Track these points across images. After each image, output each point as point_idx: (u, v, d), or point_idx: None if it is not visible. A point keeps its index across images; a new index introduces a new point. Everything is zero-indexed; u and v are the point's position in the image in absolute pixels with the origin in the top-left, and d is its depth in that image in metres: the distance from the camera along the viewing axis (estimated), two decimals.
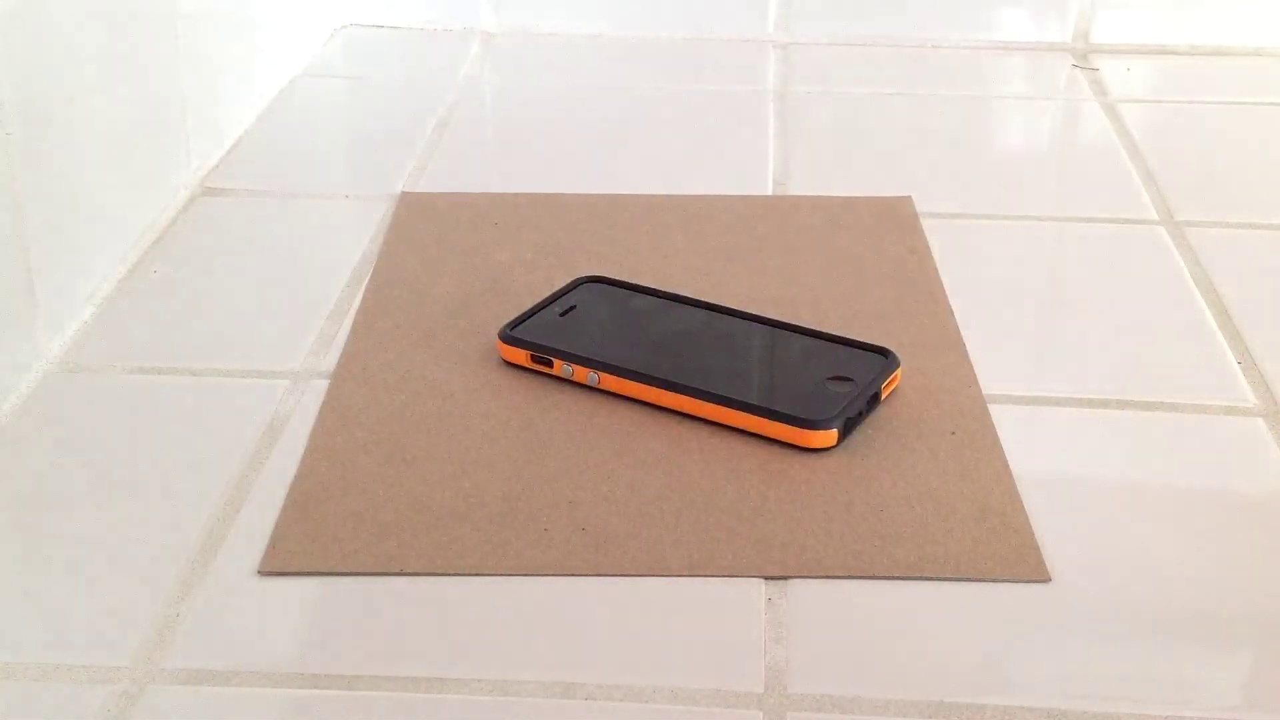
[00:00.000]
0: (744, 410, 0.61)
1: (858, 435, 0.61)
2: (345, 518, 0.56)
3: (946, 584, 0.53)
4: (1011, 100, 1.01)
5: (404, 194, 0.84)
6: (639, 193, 0.85)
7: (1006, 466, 0.60)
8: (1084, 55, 1.09)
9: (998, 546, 0.55)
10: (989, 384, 0.66)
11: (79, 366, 0.67)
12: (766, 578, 0.54)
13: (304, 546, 0.55)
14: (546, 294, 0.71)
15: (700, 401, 0.62)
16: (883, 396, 0.63)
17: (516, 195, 0.84)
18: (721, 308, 0.69)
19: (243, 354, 0.68)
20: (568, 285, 0.71)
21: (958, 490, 0.58)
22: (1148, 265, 0.77)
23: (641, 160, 0.90)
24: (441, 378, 0.66)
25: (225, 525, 0.56)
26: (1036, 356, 0.69)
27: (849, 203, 0.84)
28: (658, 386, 0.63)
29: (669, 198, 0.84)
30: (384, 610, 0.52)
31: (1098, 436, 0.63)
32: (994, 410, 0.64)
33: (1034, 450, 0.61)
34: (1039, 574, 0.54)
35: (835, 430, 0.60)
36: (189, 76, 0.84)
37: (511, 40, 1.12)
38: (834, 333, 0.68)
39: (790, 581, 0.53)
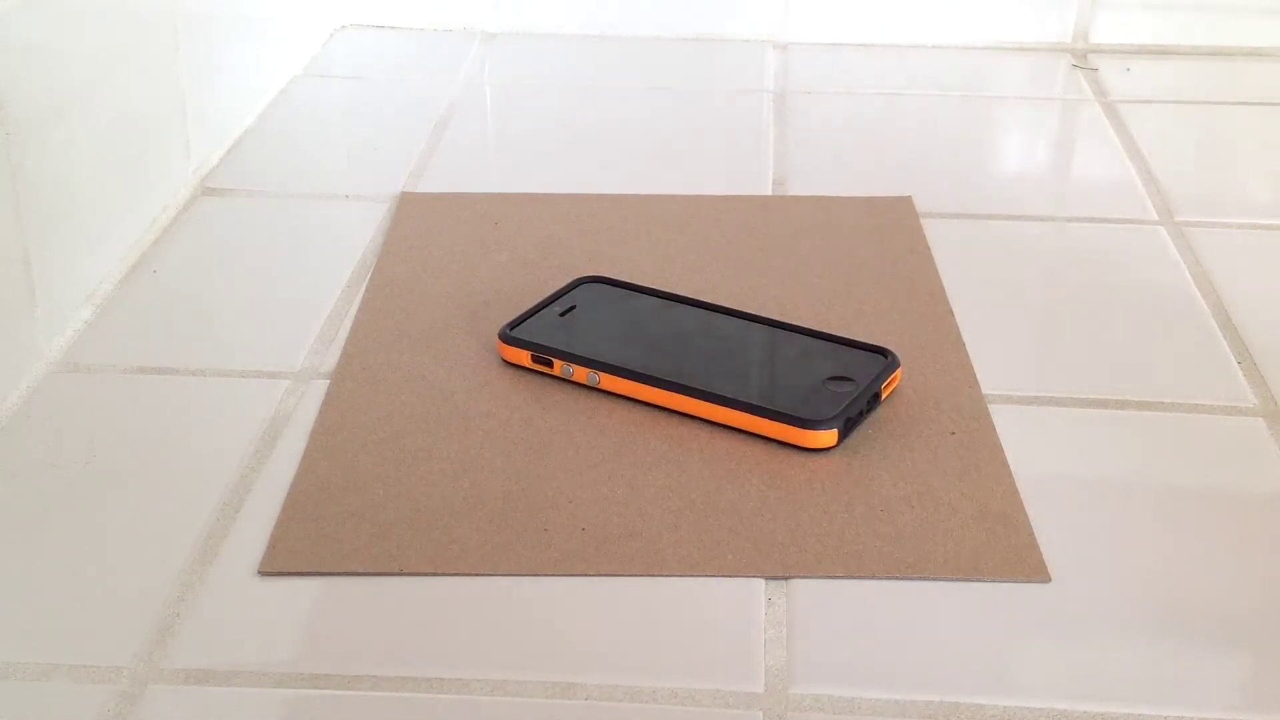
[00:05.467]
0: (744, 410, 0.61)
1: (858, 435, 0.61)
2: (345, 518, 0.56)
3: (946, 584, 0.53)
4: (1011, 100, 1.01)
5: (404, 194, 0.84)
6: (639, 193, 0.85)
7: (1006, 466, 0.60)
8: (1084, 55, 1.09)
9: (998, 546, 0.55)
10: (989, 384, 0.66)
11: (79, 366, 0.67)
12: (766, 578, 0.54)
13: (304, 546, 0.55)
14: (546, 294, 0.71)
15: (700, 401, 0.62)
16: (883, 396, 0.63)
17: (516, 195, 0.84)
18: (721, 308, 0.69)
19: (243, 354, 0.68)
20: (568, 285, 0.71)
21: (958, 490, 0.58)
22: (1148, 265, 0.77)
23: (641, 160, 0.90)
24: (441, 378, 0.66)
25: (225, 525, 0.56)
26: (1036, 356, 0.69)
27: (849, 203, 0.84)
28: (658, 386, 0.63)
29: (669, 198, 0.84)
30: (384, 610, 0.52)
31: (1098, 436, 0.63)
32: (994, 410, 0.64)
33: (1034, 450, 0.61)
34: (1039, 574, 0.54)
35: (835, 430, 0.60)
36: (189, 76, 0.84)
37: (511, 40, 1.12)
38: (834, 333, 0.68)
39: (790, 581, 0.53)
